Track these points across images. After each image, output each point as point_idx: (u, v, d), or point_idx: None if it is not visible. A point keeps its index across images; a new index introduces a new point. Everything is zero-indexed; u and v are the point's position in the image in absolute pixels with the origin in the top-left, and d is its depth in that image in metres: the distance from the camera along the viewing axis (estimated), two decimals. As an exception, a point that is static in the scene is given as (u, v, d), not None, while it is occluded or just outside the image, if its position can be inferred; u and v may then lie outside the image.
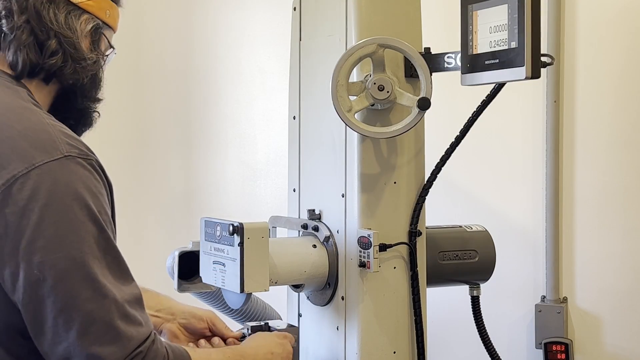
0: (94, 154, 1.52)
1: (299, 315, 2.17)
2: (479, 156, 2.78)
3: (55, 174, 1.42)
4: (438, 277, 2.12)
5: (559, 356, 2.61)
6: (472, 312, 2.15)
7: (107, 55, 1.72)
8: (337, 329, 2.03)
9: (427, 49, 1.98)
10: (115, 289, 1.44)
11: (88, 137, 1.85)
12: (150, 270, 3.76)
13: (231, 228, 1.87)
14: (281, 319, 2.30)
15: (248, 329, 1.97)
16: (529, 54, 1.73)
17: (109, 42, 1.72)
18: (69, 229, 1.41)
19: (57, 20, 1.57)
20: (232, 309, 2.24)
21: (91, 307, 1.40)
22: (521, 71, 1.74)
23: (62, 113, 1.63)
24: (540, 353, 2.65)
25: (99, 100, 1.71)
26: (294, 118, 2.19)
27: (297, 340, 1.95)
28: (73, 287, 1.40)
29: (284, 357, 1.84)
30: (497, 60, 1.79)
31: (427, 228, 2.05)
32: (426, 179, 2.02)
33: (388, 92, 1.90)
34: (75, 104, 1.65)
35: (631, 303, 2.55)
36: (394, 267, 1.99)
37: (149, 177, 3.85)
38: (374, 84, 1.90)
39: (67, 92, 1.63)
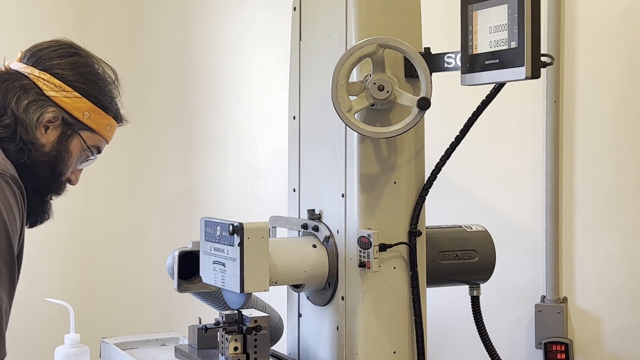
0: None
1: (299, 315, 2.17)
2: (479, 156, 2.78)
3: None
4: (438, 277, 2.12)
5: (559, 356, 2.60)
6: (472, 312, 2.15)
7: (81, 156, 1.89)
8: (337, 329, 2.03)
9: (427, 49, 1.98)
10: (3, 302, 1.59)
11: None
12: (150, 270, 3.77)
13: (231, 228, 1.87)
14: (281, 319, 2.30)
15: (223, 317, 1.97)
16: (529, 54, 1.73)
17: (86, 144, 1.87)
18: None
19: (17, 103, 1.80)
20: (232, 309, 2.24)
21: None
22: (521, 71, 1.74)
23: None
24: (540, 353, 2.65)
25: (51, 192, 1.87)
26: (294, 118, 2.19)
27: (267, 328, 1.95)
28: None
29: None
30: (497, 60, 1.79)
31: (427, 228, 2.05)
32: (426, 179, 2.02)
33: (388, 92, 1.90)
34: (27, 184, 1.76)
35: (631, 303, 2.55)
36: (394, 267, 1.99)
37: (149, 177, 3.85)
38: (374, 84, 1.90)
39: (20, 168, 1.77)
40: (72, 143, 1.85)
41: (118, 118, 1.95)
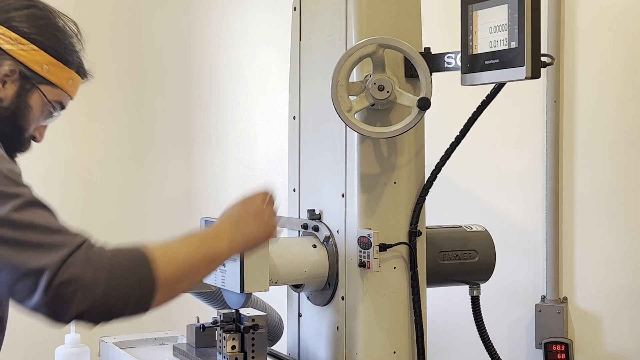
0: None
1: (299, 315, 2.17)
2: (479, 156, 2.78)
3: None
4: (438, 277, 2.12)
5: (559, 356, 2.61)
6: (472, 312, 2.15)
7: (43, 112, 1.81)
8: (337, 329, 2.03)
9: (427, 49, 1.98)
10: None
11: (89, 136, 1.86)
12: (150, 270, 3.77)
13: (231, 228, 1.87)
14: (281, 319, 2.30)
15: (220, 316, 1.98)
16: (529, 54, 1.73)
17: (47, 98, 1.80)
18: None
19: None
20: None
21: None
22: (521, 71, 1.74)
23: None
24: (540, 353, 2.65)
25: (14, 150, 1.81)
26: (294, 118, 2.19)
27: (264, 327, 1.96)
28: None
29: (258, 211, 1.72)
30: (497, 60, 1.79)
31: (427, 228, 2.05)
32: (426, 179, 2.02)
33: (388, 92, 1.90)
34: None
35: (631, 303, 2.55)
36: (394, 267, 1.99)
37: (149, 177, 3.85)
38: (374, 84, 1.90)
39: None
40: (31, 98, 1.79)
41: (81, 72, 1.87)
